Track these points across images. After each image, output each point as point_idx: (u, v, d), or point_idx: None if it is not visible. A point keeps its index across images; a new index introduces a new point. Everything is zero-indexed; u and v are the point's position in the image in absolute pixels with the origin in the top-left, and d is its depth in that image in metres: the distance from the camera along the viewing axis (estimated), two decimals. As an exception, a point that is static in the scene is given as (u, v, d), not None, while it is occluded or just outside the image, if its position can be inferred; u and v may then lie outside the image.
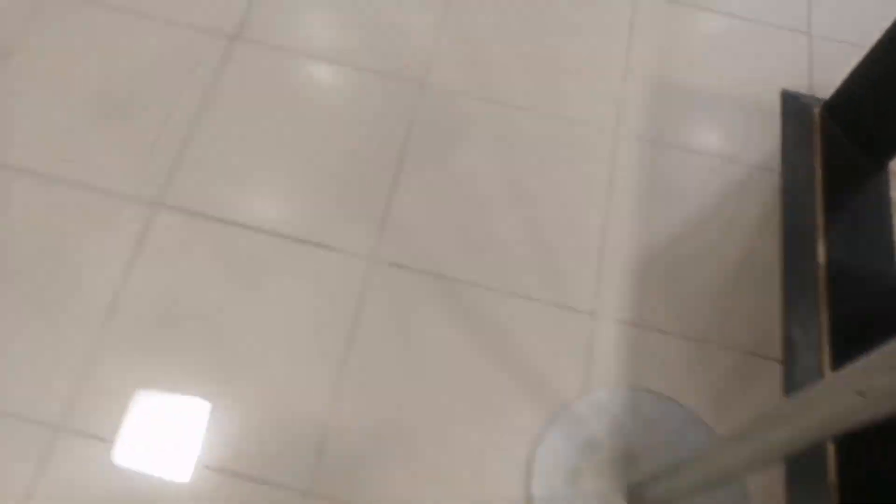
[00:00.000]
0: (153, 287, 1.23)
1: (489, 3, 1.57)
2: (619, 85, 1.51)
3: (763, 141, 1.50)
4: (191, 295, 1.22)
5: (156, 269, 1.24)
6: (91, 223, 1.26)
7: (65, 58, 1.40)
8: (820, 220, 1.43)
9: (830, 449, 1.23)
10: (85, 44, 1.42)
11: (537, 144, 1.43)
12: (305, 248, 1.28)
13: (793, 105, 1.55)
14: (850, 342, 1.31)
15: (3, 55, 1.38)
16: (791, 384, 1.28)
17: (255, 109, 1.39)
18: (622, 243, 1.36)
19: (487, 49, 1.52)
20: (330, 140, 1.38)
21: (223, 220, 1.29)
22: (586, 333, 1.28)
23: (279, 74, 1.43)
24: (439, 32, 1.52)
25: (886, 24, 1.71)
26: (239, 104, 1.40)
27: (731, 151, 1.48)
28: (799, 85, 1.58)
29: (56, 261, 1.23)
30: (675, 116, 1.50)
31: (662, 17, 1.61)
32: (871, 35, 1.68)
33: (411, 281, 1.28)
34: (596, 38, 1.56)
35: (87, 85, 1.38)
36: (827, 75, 1.60)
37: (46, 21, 1.43)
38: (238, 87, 1.41)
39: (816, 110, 1.54)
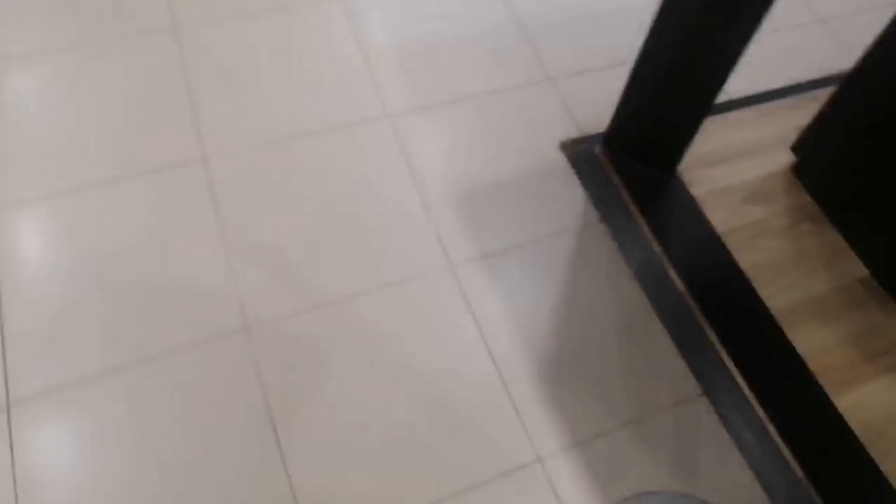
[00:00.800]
0: None
1: (261, 197, 1.44)
2: (427, 219, 1.47)
3: (571, 199, 1.54)
4: None
5: None
6: None
7: None
8: (657, 248, 1.50)
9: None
10: None
11: (389, 319, 1.35)
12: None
13: (575, 153, 1.60)
14: (743, 345, 1.39)
15: None
16: (723, 409, 1.34)
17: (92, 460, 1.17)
18: (519, 371, 1.33)
19: (284, 251, 1.39)
20: (184, 444, 1.19)
21: None
22: (546, 482, 1.23)
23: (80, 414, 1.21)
24: (229, 264, 1.37)
25: (607, 43, 1.83)
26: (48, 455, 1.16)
27: (553, 226, 1.50)
28: (570, 130, 1.63)
29: None
30: (488, 222, 1.49)
31: (422, 130, 1.58)
32: (598, 56, 1.78)
33: (360, 542, 1.15)
34: (379, 185, 1.50)
35: None
36: (585, 108, 1.67)
37: None
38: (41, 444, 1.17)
39: (598, 148, 1.60)
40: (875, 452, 1.31)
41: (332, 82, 1.62)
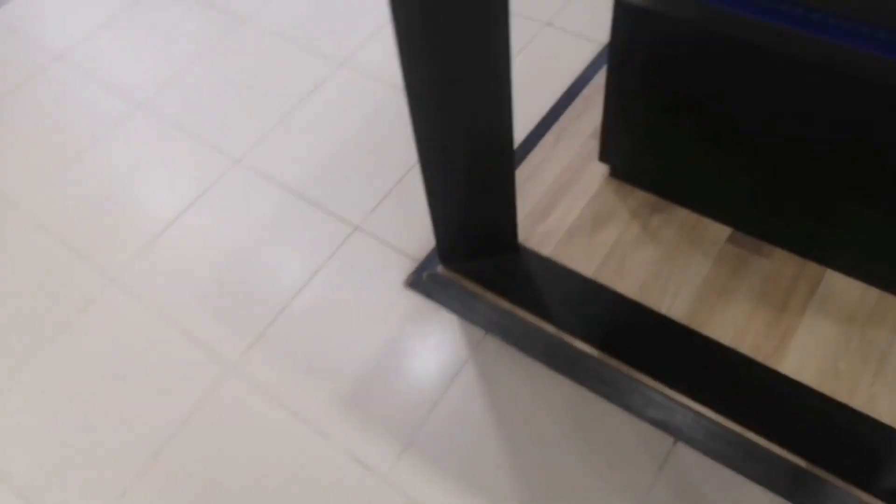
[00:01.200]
0: None
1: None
2: (330, 446, 1.33)
3: (447, 330, 1.45)
4: None
5: None
6: None
7: None
8: (549, 328, 1.44)
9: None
10: None
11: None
12: None
13: (422, 284, 1.51)
14: (676, 371, 1.36)
15: None
16: (700, 444, 1.30)
17: None
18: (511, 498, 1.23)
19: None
20: None
21: None
22: None
23: None
24: None
25: (382, 160, 1.76)
26: None
27: (447, 369, 1.41)
28: (405, 265, 1.54)
29: None
30: (388, 409, 1.37)
31: (269, 358, 1.44)
32: (382, 178, 1.71)
33: None
34: (265, 439, 1.35)
35: None
36: (405, 234, 1.59)
37: None
38: None
39: (439, 267, 1.52)
40: (842, 396, 1.31)
41: (157, 372, 1.44)
